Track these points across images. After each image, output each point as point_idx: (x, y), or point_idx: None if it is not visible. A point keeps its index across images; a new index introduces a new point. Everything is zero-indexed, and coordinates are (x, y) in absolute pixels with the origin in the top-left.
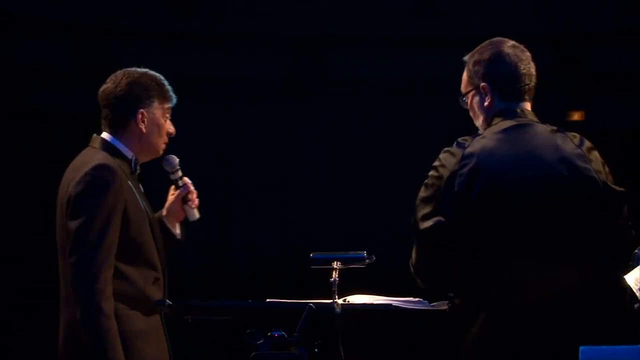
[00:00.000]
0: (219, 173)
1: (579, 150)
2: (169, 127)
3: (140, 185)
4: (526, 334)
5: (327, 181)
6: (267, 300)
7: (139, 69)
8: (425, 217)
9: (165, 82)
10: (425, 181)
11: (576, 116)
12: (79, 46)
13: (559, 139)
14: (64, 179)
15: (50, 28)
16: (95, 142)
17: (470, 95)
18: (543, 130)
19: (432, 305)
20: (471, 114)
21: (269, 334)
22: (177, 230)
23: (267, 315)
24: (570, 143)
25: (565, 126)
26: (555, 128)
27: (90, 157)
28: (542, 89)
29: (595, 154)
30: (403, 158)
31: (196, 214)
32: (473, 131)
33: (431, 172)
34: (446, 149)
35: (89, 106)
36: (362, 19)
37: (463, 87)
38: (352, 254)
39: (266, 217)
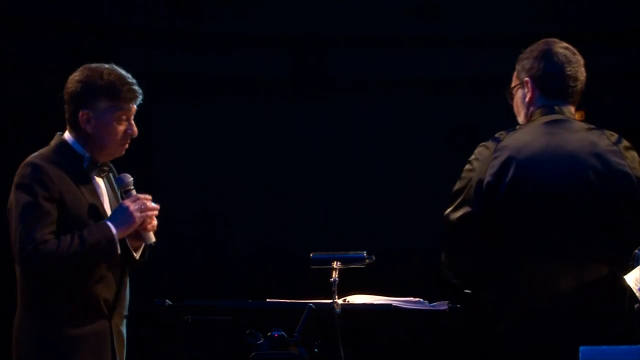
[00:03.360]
0: (216, 172)
1: (614, 147)
2: (129, 128)
3: (103, 181)
4: (556, 332)
5: (326, 180)
6: (267, 300)
7: (99, 65)
8: (456, 209)
9: (125, 81)
10: (461, 174)
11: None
12: (79, 46)
13: (595, 135)
14: None
15: (50, 28)
16: (53, 140)
17: (515, 89)
18: (579, 127)
19: (432, 305)
20: (515, 110)
21: (269, 334)
22: (137, 253)
23: (267, 315)
24: (606, 140)
25: None
26: (592, 126)
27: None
28: None
29: (633, 153)
30: (402, 158)
31: (152, 238)
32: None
33: (466, 166)
34: (482, 143)
35: None
36: (361, 19)
37: (512, 83)
38: (352, 254)
39: (265, 216)
